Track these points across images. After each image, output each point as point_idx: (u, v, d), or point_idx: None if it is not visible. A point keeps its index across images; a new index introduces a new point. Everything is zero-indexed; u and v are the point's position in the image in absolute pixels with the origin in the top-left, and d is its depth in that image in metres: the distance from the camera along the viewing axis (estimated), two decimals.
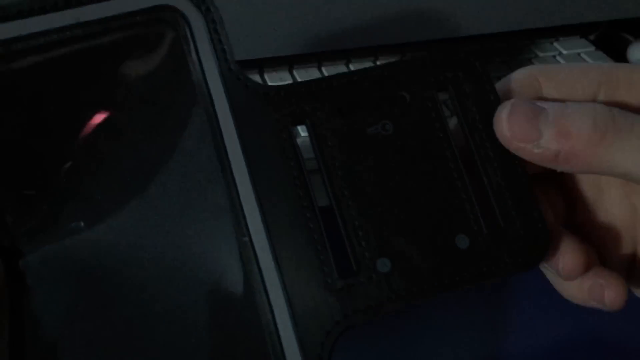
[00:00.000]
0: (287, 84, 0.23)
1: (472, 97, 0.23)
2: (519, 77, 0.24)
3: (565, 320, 0.35)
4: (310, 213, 0.22)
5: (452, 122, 0.24)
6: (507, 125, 0.22)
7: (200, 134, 0.22)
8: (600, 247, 0.25)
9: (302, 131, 0.23)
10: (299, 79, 0.46)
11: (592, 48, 0.53)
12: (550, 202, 0.25)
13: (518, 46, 0.52)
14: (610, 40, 0.55)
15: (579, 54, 0.52)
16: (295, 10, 0.43)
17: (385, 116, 0.23)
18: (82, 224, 0.21)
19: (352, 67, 0.48)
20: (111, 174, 0.21)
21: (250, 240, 0.21)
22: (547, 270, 0.24)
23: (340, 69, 0.48)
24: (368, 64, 0.49)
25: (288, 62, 0.48)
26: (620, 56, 0.52)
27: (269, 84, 0.45)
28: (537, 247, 0.22)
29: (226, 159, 0.21)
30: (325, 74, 0.47)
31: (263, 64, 0.46)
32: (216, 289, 0.21)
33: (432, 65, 0.23)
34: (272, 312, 0.21)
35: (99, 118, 0.22)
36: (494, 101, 0.23)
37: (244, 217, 0.21)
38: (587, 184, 0.25)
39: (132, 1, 0.22)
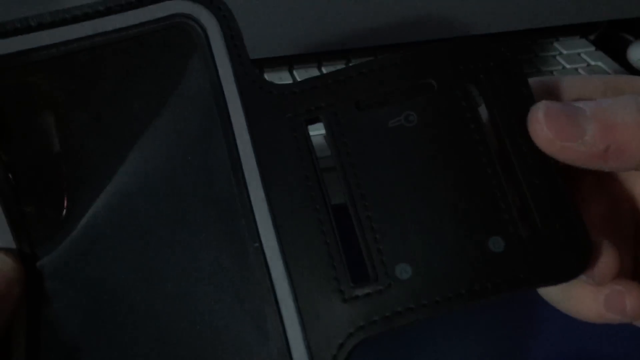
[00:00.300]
0: (303, 80, 0.22)
1: (504, 90, 0.21)
2: None
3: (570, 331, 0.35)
4: (324, 216, 0.20)
5: (481, 113, 0.22)
6: (546, 125, 0.20)
7: (214, 137, 0.22)
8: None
9: (312, 130, 0.22)
10: (299, 79, 0.46)
11: (592, 48, 0.53)
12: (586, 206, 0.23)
13: (518, 46, 0.52)
14: (610, 40, 0.55)
15: (579, 54, 0.52)
16: (295, 10, 0.43)
17: (409, 107, 0.21)
18: (98, 226, 0.21)
19: None
20: (127, 179, 0.21)
21: (261, 246, 0.20)
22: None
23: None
24: None
25: (288, 62, 0.48)
26: (620, 56, 0.52)
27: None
28: (578, 253, 0.20)
29: (238, 162, 0.21)
30: None
31: (263, 64, 0.46)
32: (224, 296, 0.21)
33: (462, 53, 0.22)
34: (282, 322, 0.20)
35: (115, 124, 0.22)
36: (528, 96, 0.21)
37: (255, 222, 0.20)
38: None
39: (149, 10, 0.22)
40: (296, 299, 0.20)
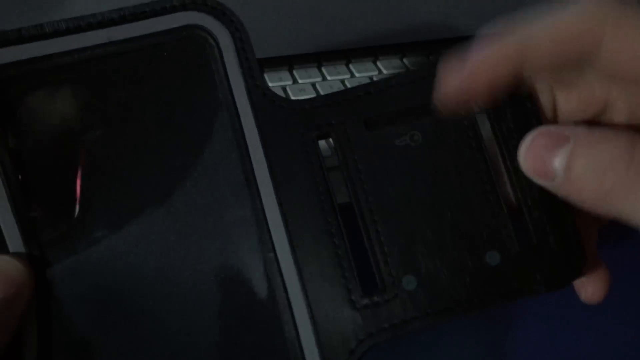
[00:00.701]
0: (313, 97, 0.23)
1: (510, 106, 0.22)
2: (490, 55, 0.22)
3: (571, 333, 0.35)
4: (335, 229, 0.21)
5: (484, 129, 0.23)
6: (526, 161, 0.21)
7: (227, 150, 0.22)
8: None
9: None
10: (299, 79, 0.46)
11: None
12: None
13: None
14: None
15: None
16: (295, 10, 0.43)
17: (414, 127, 0.22)
18: (107, 232, 0.21)
19: (352, 67, 0.48)
20: (138, 187, 0.22)
21: (275, 256, 0.21)
22: None
23: (340, 69, 0.48)
24: (368, 64, 0.49)
25: (288, 62, 0.48)
26: None
27: (269, 84, 0.45)
28: (571, 264, 0.22)
29: (252, 174, 0.22)
30: (325, 74, 0.47)
31: (263, 64, 0.46)
32: (240, 304, 0.21)
33: None
34: (296, 329, 0.21)
35: (127, 132, 0.22)
36: (533, 111, 0.22)
37: (269, 232, 0.21)
38: None
39: (162, 21, 0.22)
40: (309, 307, 0.21)
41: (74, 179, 0.22)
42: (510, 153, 0.22)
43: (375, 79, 0.47)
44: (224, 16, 0.22)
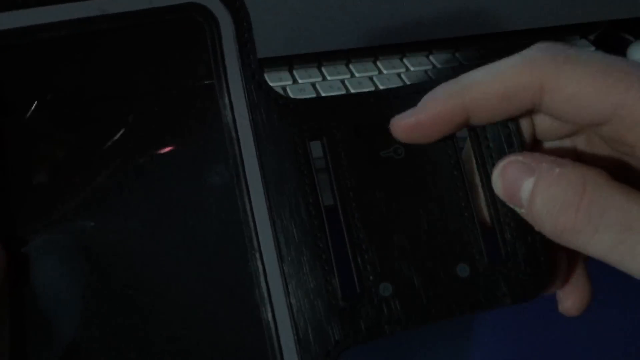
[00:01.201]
0: (307, 98, 0.23)
1: (490, 126, 0.23)
2: (439, 106, 0.22)
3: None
4: (320, 233, 0.22)
5: (465, 148, 0.24)
6: (496, 185, 0.22)
7: (217, 142, 0.22)
8: None
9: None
10: (299, 79, 0.46)
11: (592, 48, 0.53)
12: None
13: (518, 46, 0.52)
14: (610, 40, 0.55)
15: None
16: (295, 10, 0.43)
17: (399, 140, 0.23)
18: (92, 223, 0.21)
19: (352, 67, 0.48)
20: (123, 174, 0.21)
21: (261, 256, 0.21)
22: None
23: (340, 69, 0.48)
24: (368, 64, 0.49)
25: (288, 62, 0.48)
26: (620, 56, 0.52)
27: (269, 84, 0.45)
28: (537, 279, 0.22)
29: (242, 169, 0.21)
30: (325, 74, 0.47)
31: (263, 64, 0.46)
32: (222, 302, 0.21)
33: None
34: (276, 328, 0.21)
35: (114, 115, 0.21)
36: (514, 132, 0.23)
37: (256, 232, 0.21)
38: None
39: None
40: (290, 307, 0.21)
41: (55, 160, 0.21)
42: (487, 172, 0.23)
43: (375, 79, 0.47)
44: None
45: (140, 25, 0.21)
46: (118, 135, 0.21)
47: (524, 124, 0.23)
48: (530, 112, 0.23)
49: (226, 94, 0.22)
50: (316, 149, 0.22)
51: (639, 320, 0.37)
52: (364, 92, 0.23)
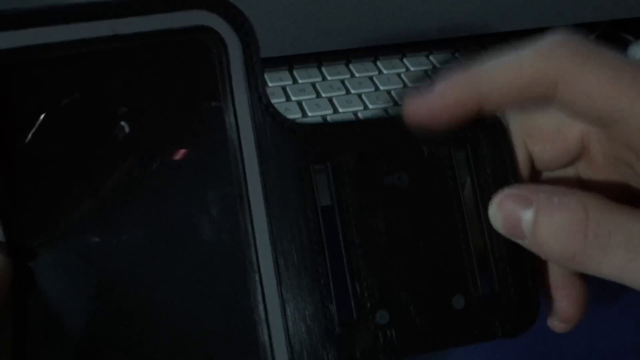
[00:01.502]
0: (313, 123, 0.23)
1: (488, 160, 0.23)
2: (450, 92, 0.22)
3: None
4: (320, 257, 0.22)
5: (468, 181, 0.24)
6: (495, 219, 0.22)
7: (222, 162, 0.22)
8: None
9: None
10: (299, 79, 0.46)
11: None
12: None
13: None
14: (610, 40, 0.55)
15: None
16: (295, 10, 0.43)
17: (402, 167, 0.23)
18: (96, 237, 0.21)
19: (352, 67, 0.48)
20: (127, 188, 0.21)
21: (260, 277, 0.21)
22: None
23: (341, 69, 0.48)
24: (368, 64, 0.49)
25: (288, 62, 0.48)
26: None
27: (269, 84, 0.45)
28: (526, 316, 0.23)
29: (245, 188, 0.21)
30: (325, 74, 0.47)
31: (263, 64, 0.46)
32: (220, 319, 0.21)
33: None
34: (272, 350, 0.21)
35: (122, 132, 0.22)
36: (511, 167, 0.23)
37: (257, 253, 0.21)
38: None
39: (172, 18, 0.21)
40: (287, 331, 0.21)
41: (62, 174, 0.21)
42: (485, 205, 0.23)
43: (375, 79, 0.47)
44: (236, 20, 0.21)
45: (150, 46, 0.21)
46: (126, 152, 0.21)
47: (521, 154, 0.24)
48: (526, 145, 0.24)
49: (233, 116, 0.22)
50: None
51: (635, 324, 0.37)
52: (369, 119, 0.24)
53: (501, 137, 0.23)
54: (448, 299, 0.23)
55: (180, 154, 0.22)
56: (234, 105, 0.22)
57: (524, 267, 0.23)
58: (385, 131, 0.23)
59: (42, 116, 0.21)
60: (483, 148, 0.23)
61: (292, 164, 0.22)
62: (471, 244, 0.23)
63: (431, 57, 0.50)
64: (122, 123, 0.22)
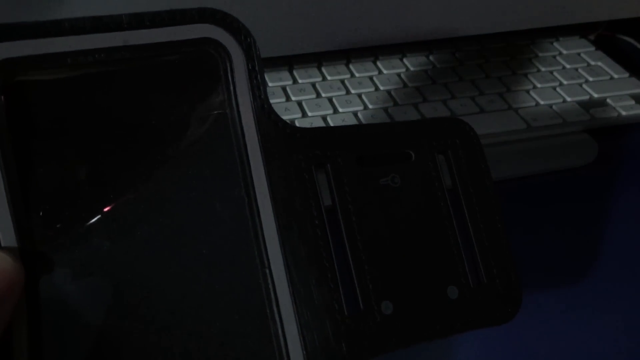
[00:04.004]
0: (313, 128, 0.24)
1: (465, 163, 0.26)
2: None
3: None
4: (326, 252, 0.23)
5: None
6: None
7: (228, 164, 0.23)
8: None
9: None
10: (299, 79, 0.46)
11: (592, 48, 0.53)
12: None
13: (518, 46, 0.52)
14: (610, 40, 0.55)
15: (579, 54, 0.52)
16: (295, 10, 0.43)
17: (395, 170, 0.25)
18: (107, 242, 0.21)
19: (352, 67, 0.48)
20: (137, 194, 0.22)
21: (270, 273, 0.22)
22: None
23: (340, 69, 0.48)
24: (368, 64, 0.49)
25: (288, 62, 0.48)
26: (620, 56, 0.52)
27: (269, 84, 0.45)
28: (511, 305, 0.25)
29: (252, 191, 0.23)
30: (325, 74, 0.47)
31: (263, 64, 0.46)
32: (232, 316, 0.22)
33: (435, 131, 0.26)
34: (285, 343, 0.22)
35: (131, 139, 0.22)
36: (484, 169, 0.26)
37: (266, 251, 0.22)
38: None
39: (180, 30, 0.22)
40: (299, 322, 0.22)
41: (74, 180, 0.22)
42: (467, 202, 0.25)
43: (375, 79, 0.47)
44: (239, 33, 0.23)
45: (159, 57, 0.22)
46: (135, 159, 0.22)
47: None
48: None
49: (238, 123, 0.23)
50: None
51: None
52: (368, 125, 0.26)
53: (474, 142, 0.26)
54: (443, 289, 0.24)
55: (187, 159, 0.22)
56: (238, 111, 0.23)
57: (508, 261, 0.25)
58: (381, 136, 0.25)
59: (53, 121, 0.22)
60: (461, 153, 0.26)
61: (295, 166, 0.23)
62: (459, 239, 0.25)
63: (431, 57, 0.50)
64: (133, 129, 0.22)
